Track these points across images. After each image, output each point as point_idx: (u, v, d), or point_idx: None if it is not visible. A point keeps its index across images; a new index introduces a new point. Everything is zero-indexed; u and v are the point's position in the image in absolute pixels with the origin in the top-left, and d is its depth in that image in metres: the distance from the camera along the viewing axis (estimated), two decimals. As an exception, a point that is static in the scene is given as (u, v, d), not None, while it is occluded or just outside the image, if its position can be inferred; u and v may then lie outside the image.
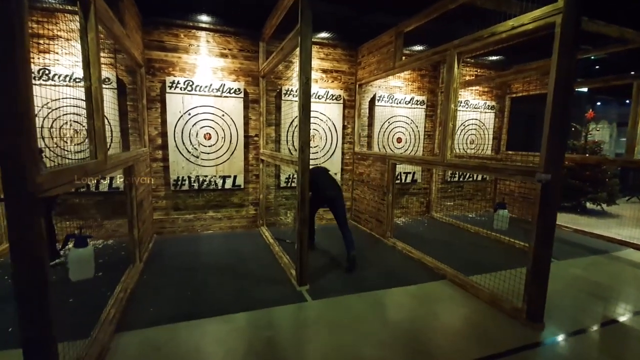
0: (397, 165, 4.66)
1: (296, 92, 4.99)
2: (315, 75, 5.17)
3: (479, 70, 6.27)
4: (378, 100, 5.53)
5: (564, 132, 2.50)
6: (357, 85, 5.34)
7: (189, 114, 4.52)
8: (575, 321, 2.72)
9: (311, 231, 4.25)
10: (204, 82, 4.54)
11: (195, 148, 4.60)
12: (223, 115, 4.68)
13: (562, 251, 4.29)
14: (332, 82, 5.31)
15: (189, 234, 4.75)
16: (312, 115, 5.17)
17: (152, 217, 4.53)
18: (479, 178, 6.71)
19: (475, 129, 6.40)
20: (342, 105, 5.34)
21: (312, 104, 5.11)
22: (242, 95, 4.72)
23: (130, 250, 3.48)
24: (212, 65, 4.62)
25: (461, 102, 6.14)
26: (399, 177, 5.87)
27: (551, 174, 2.41)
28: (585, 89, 9.16)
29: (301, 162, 2.96)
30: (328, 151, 5.36)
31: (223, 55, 4.67)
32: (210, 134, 4.65)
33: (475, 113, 6.32)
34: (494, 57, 6.08)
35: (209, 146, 4.67)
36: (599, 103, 11.16)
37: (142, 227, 3.71)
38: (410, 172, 5.94)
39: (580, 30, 3.21)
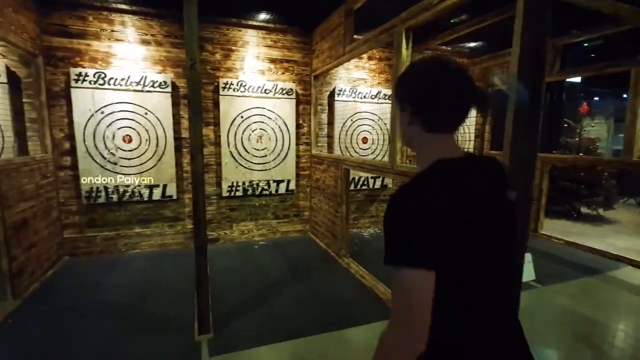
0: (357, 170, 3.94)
1: (237, 85, 4.26)
2: (262, 66, 4.43)
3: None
4: (338, 94, 4.79)
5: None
6: (312, 77, 4.60)
7: (102, 113, 3.78)
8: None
9: None
10: (121, 74, 3.80)
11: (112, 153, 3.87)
12: (146, 113, 3.94)
13: (549, 273, 3.52)
14: (283, 73, 4.56)
15: (110, 255, 4.02)
16: (257, 113, 4.47)
17: (59, 237, 3.79)
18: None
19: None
20: (294, 100, 4.59)
21: (257, 100, 4.42)
22: (169, 89, 3.97)
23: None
24: (130, 54, 3.88)
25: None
26: (366, 182, 5.14)
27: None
28: (578, 79, 8.46)
29: (192, 172, 2.22)
30: (279, 154, 4.62)
31: (145, 43, 3.92)
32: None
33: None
34: (473, 44, 5.35)
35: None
36: (596, 98, 10.47)
37: (22, 254, 2.98)
38: (378, 176, 5.21)
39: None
